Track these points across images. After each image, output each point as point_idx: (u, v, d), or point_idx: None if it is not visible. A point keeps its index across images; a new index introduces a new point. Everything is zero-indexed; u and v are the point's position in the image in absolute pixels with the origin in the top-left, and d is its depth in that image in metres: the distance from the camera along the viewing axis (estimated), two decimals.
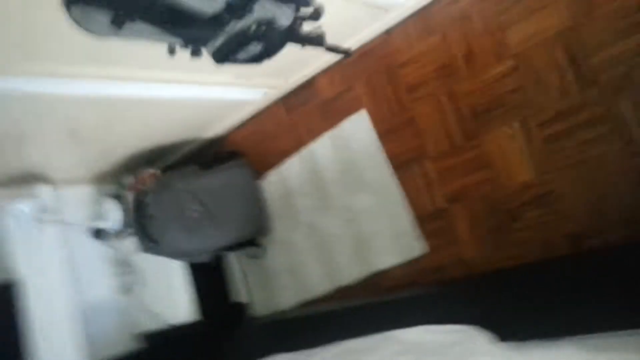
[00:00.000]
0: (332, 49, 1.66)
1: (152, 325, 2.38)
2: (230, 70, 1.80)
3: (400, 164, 1.91)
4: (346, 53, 1.79)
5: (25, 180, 2.23)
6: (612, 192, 1.48)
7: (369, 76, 1.97)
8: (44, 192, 2.20)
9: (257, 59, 1.46)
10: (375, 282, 2.00)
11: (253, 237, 2.34)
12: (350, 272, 2.06)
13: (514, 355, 1.25)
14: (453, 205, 1.79)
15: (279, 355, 1.85)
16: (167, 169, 2.51)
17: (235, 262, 2.51)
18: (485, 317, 1.42)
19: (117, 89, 1.64)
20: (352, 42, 1.91)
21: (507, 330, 1.36)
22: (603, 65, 1.48)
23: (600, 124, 1.49)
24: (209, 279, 2.36)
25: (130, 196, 2.38)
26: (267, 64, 1.61)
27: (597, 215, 1.50)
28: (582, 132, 1.52)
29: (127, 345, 2.46)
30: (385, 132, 1.94)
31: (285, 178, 2.25)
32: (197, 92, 1.89)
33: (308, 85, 2.15)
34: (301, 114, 2.19)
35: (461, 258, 1.78)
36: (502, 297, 1.46)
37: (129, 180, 2.52)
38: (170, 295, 2.31)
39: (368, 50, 1.95)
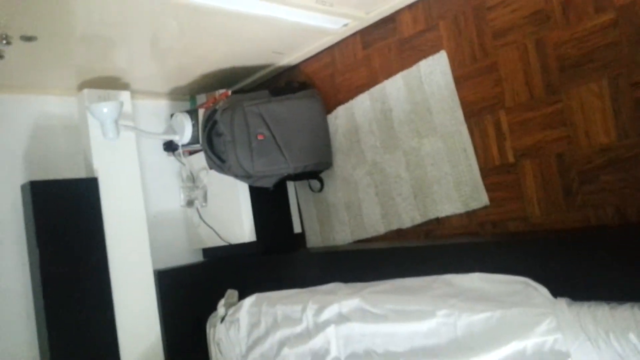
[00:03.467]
0: None
1: (211, 241, 2.51)
2: None
3: (474, 112, 1.85)
4: None
5: (109, 84, 2.35)
6: None
7: (455, 16, 1.89)
8: (124, 98, 2.31)
9: None
10: (431, 229, 2.00)
11: (315, 170, 2.37)
12: (408, 215, 2.05)
13: (567, 311, 1.24)
14: (523, 161, 1.73)
15: (335, 283, 1.92)
16: (239, 92, 2.56)
17: (294, 193, 2.57)
18: (542, 273, 1.39)
19: None
20: None
21: (562, 287, 1.34)
22: None
23: None
24: (268, 204, 2.43)
25: (202, 114, 2.47)
26: None
27: None
28: None
29: (187, 257, 2.63)
30: (463, 77, 1.88)
31: (354, 114, 2.24)
32: (279, 12, 1.89)
33: (389, 21, 2.09)
34: (378, 50, 2.15)
35: (524, 215, 1.73)
36: (562, 256, 1.41)
37: (202, 98, 2.60)
38: (231, 214, 2.41)
39: None
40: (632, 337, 1.09)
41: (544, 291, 1.35)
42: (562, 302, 1.28)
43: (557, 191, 1.65)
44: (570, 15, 1.60)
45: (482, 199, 1.82)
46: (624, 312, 1.15)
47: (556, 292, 1.35)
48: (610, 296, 1.27)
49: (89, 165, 2.29)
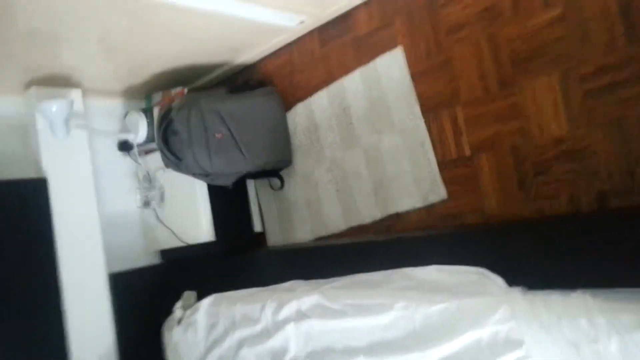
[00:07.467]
0: None
1: (169, 242, 2.44)
2: None
3: (430, 107, 1.86)
4: None
5: (58, 82, 2.26)
6: None
7: (410, 13, 1.90)
8: (74, 96, 2.23)
9: None
10: (391, 224, 1.99)
11: (274, 168, 2.34)
12: (368, 211, 2.05)
13: (521, 299, 1.25)
14: (479, 154, 1.75)
15: (295, 281, 1.89)
16: (195, 90, 2.52)
17: (254, 191, 2.54)
18: (497, 263, 1.41)
19: None
20: None
21: (517, 277, 1.36)
22: None
23: None
24: (227, 203, 2.39)
25: (157, 112, 2.41)
26: None
27: (628, 176, 1.45)
28: (624, 89, 1.44)
29: (143, 259, 2.55)
30: (419, 73, 1.89)
31: (313, 112, 2.23)
32: (234, 8, 1.85)
33: (345, 18, 2.09)
34: (335, 48, 2.15)
35: (481, 207, 1.75)
36: (517, 245, 1.44)
37: (158, 96, 2.54)
38: (189, 214, 2.36)
39: None
40: (582, 322, 1.10)
41: (499, 281, 1.36)
42: (516, 291, 1.29)
43: (512, 183, 1.68)
44: (521, 10, 1.63)
45: (440, 192, 1.83)
46: (576, 299, 1.16)
47: (511, 282, 1.36)
48: (564, 284, 1.28)
49: (37, 165, 2.19)
